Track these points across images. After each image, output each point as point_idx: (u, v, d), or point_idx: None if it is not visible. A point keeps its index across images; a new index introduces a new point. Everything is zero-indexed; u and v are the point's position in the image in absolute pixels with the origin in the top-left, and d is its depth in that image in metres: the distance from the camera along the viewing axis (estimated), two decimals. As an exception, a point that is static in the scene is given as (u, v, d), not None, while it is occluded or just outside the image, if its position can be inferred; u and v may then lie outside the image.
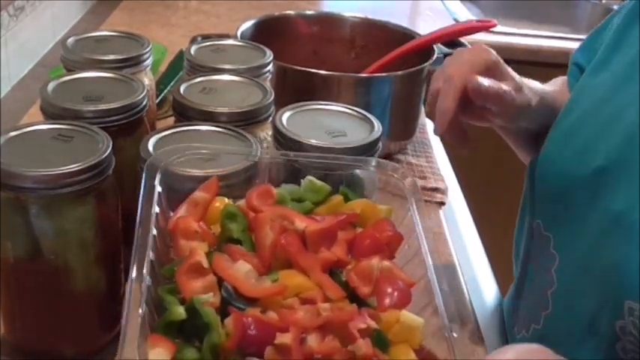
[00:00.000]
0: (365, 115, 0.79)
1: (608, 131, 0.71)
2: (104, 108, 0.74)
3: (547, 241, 0.76)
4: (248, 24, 1.14)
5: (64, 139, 0.68)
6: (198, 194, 0.61)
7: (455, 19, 1.79)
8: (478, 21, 1.24)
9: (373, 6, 1.73)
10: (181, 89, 0.79)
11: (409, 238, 0.62)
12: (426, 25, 1.61)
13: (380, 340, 0.53)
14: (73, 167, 0.63)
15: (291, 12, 1.25)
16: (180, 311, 0.51)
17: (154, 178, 0.61)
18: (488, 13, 1.97)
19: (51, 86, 0.76)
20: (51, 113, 0.73)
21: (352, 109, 0.80)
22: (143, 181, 0.61)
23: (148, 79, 0.89)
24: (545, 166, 0.79)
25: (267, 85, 0.84)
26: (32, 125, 0.69)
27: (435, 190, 1.09)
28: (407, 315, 0.55)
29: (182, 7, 1.72)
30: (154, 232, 0.56)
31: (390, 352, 0.53)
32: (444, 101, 0.73)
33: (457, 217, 1.08)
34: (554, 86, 0.89)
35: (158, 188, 0.60)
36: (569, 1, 2.17)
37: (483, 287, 0.94)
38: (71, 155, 0.64)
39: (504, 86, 0.74)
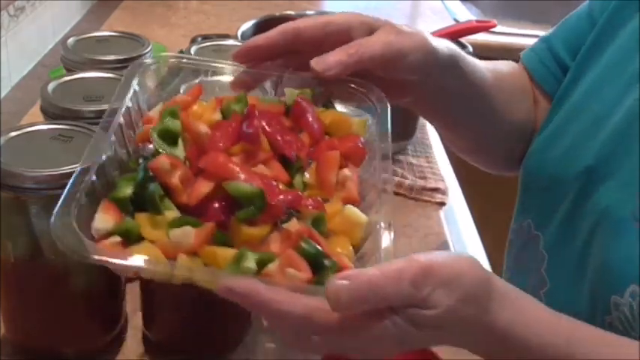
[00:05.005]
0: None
1: (596, 130, 0.71)
2: (104, 108, 0.73)
3: (537, 240, 0.76)
4: (248, 24, 1.14)
5: (64, 139, 0.68)
6: (180, 96, 0.62)
7: (455, 19, 1.79)
8: (478, 21, 1.24)
9: (373, 6, 1.73)
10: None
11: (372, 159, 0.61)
12: (426, 25, 1.62)
13: (319, 225, 0.53)
14: (73, 167, 0.63)
15: (291, 12, 1.25)
16: (127, 190, 0.53)
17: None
18: (489, 13, 1.97)
19: (51, 86, 0.76)
20: (51, 113, 0.73)
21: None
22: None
23: (148, 79, 0.89)
24: (533, 166, 0.78)
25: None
26: (32, 125, 0.69)
27: (435, 190, 1.09)
28: (351, 209, 0.54)
29: (182, 8, 1.72)
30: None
31: (328, 241, 0.53)
32: None
33: (457, 217, 1.08)
34: (491, 69, 0.80)
35: (135, 87, 0.61)
36: (569, 1, 2.16)
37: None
38: (71, 155, 0.64)
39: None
